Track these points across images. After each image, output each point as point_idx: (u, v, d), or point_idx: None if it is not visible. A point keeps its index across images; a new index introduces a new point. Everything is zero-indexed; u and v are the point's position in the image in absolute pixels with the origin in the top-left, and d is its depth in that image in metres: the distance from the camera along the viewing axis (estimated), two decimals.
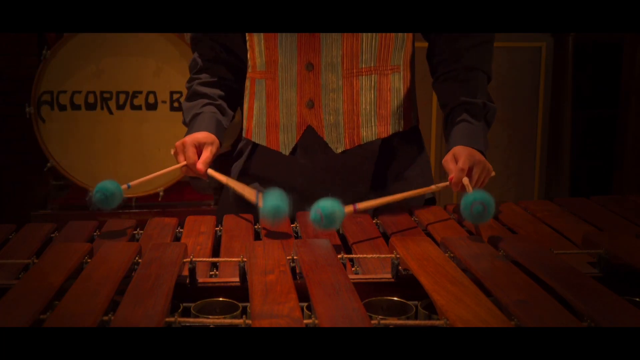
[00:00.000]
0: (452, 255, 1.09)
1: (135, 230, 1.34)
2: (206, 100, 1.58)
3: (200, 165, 1.46)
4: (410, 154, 1.58)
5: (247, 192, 1.39)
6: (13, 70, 3.55)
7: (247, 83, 1.59)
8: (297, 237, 1.32)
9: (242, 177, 1.58)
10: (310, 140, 1.50)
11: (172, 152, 1.51)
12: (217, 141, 1.52)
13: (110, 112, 2.94)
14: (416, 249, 1.08)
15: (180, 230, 1.35)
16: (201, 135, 1.50)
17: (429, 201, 1.60)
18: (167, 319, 0.84)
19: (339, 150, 1.49)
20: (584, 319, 0.83)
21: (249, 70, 1.58)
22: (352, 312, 0.83)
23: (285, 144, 1.52)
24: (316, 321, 0.82)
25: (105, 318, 0.84)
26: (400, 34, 1.48)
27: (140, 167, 2.90)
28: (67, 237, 1.31)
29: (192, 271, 1.04)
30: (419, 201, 1.55)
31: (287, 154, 1.52)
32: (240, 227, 1.35)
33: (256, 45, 1.51)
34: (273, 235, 1.31)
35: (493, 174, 1.41)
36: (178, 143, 1.49)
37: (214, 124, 1.54)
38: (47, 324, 0.82)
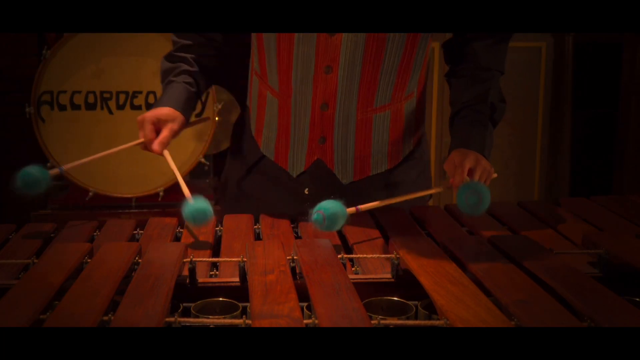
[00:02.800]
0: (452, 255, 1.09)
1: (135, 230, 1.34)
2: (184, 66, 1.49)
3: (156, 145, 1.39)
4: (416, 163, 1.56)
5: (185, 191, 1.32)
6: (13, 70, 3.55)
7: (255, 80, 1.52)
8: (297, 237, 1.32)
9: (242, 185, 1.53)
10: (318, 168, 1.48)
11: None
12: (180, 118, 1.43)
13: (110, 112, 2.94)
14: (416, 249, 1.08)
15: (180, 230, 1.35)
16: (163, 112, 1.41)
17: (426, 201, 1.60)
18: (167, 319, 0.84)
19: (347, 182, 1.49)
20: (584, 319, 0.83)
21: (257, 69, 1.51)
22: (352, 312, 0.83)
23: (293, 168, 1.50)
24: (316, 321, 0.82)
25: (105, 318, 0.84)
26: (418, 59, 1.44)
27: (140, 167, 2.90)
28: (67, 237, 1.31)
29: (192, 271, 1.04)
30: (420, 202, 1.54)
31: (295, 176, 1.50)
32: (240, 227, 1.35)
33: (268, 61, 1.44)
34: (273, 235, 1.31)
35: (495, 175, 1.40)
36: (140, 117, 1.41)
37: (184, 98, 1.45)
38: (47, 324, 0.82)
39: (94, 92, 2.97)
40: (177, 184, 1.64)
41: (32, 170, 1.28)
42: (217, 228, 1.34)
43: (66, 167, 1.36)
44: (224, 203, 1.65)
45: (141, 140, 1.41)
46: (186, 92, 1.47)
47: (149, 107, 2.97)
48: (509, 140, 3.47)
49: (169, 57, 1.52)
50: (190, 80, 1.49)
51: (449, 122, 1.51)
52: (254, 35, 1.49)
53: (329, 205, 1.17)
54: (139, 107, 2.94)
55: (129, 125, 2.94)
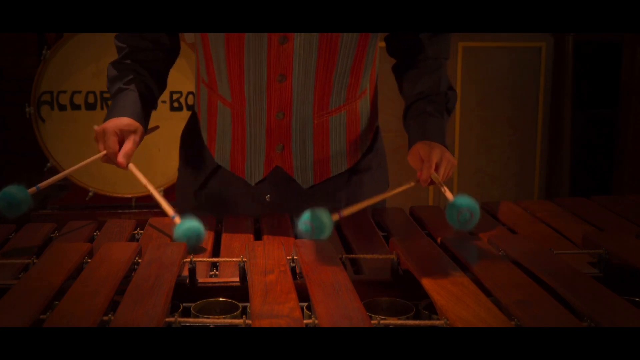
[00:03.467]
0: (452, 255, 1.09)
1: (135, 230, 1.34)
2: (133, 74, 1.43)
3: (121, 158, 1.33)
4: (374, 155, 1.55)
5: (166, 207, 1.29)
6: (13, 70, 3.55)
7: (203, 89, 1.47)
8: (297, 237, 1.31)
9: (200, 196, 1.50)
10: (277, 175, 1.46)
11: (94, 135, 1.37)
12: (140, 128, 1.38)
13: None
14: (416, 249, 1.08)
15: None
16: (124, 122, 1.35)
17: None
18: (167, 319, 0.84)
19: (307, 187, 1.47)
20: (584, 319, 0.83)
21: (205, 79, 1.46)
22: (352, 312, 0.83)
23: (251, 176, 1.47)
24: (316, 321, 0.82)
25: (105, 318, 0.84)
26: (370, 58, 1.42)
27: (139, 167, 2.89)
28: (67, 237, 1.31)
29: (192, 271, 1.04)
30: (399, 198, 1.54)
31: (253, 184, 1.47)
32: (240, 227, 1.35)
33: (218, 71, 1.40)
34: (273, 235, 1.31)
35: (455, 163, 1.37)
36: (98, 128, 1.35)
37: (140, 107, 1.40)
38: (47, 324, 0.82)
39: (94, 92, 2.98)
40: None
41: (13, 190, 1.24)
42: (217, 228, 1.34)
43: (42, 185, 1.30)
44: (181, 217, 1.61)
45: (103, 153, 1.35)
46: (141, 101, 1.41)
47: None
48: (509, 140, 3.47)
49: (117, 65, 1.46)
50: (142, 88, 1.43)
51: (403, 114, 1.49)
52: (199, 43, 1.43)
53: (315, 215, 1.16)
54: None
55: None
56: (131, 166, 1.36)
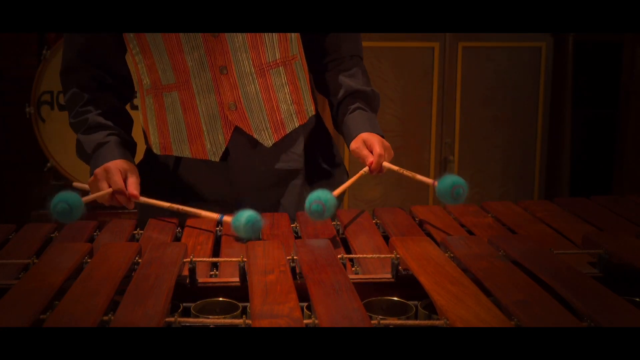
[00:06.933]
0: (452, 255, 1.09)
1: (135, 230, 1.34)
2: (108, 131, 1.48)
3: (133, 190, 1.37)
4: (323, 137, 1.64)
5: (206, 214, 1.33)
6: (13, 70, 3.55)
7: (149, 101, 1.53)
8: (297, 237, 1.32)
9: (169, 197, 1.47)
10: (239, 141, 1.50)
11: (89, 180, 1.41)
12: (136, 168, 1.43)
13: None
14: (416, 249, 1.08)
15: (180, 230, 1.35)
16: (122, 162, 1.41)
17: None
18: (167, 319, 0.84)
19: (270, 144, 1.51)
20: (584, 319, 0.83)
21: (147, 87, 1.52)
22: (352, 312, 0.83)
23: (213, 150, 1.50)
24: (316, 321, 0.82)
25: (105, 318, 0.84)
26: None
27: None
28: (67, 237, 1.31)
29: (192, 271, 1.04)
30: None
31: (217, 160, 1.50)
32: None
33: (158, 59, 1.46)
34: (273, 235, 1.31)
35: (392, 154, 1.47)
36: (99, 170, 1.39)
37: (126, 153, 1.46)
38: (47, 324, 0.82)
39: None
40: None
41: (72, 196, 1.25)
42: (217, 228, 1.34)
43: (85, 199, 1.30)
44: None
45: (109, 191, 1.37)
46: (124, 150, 1.47)
47: None
48: (509, 140, 3.47)
49: (87, 131, 1.49)
50: (119, 140, 1.48)
51: (334, 111, 1.60)
52: (139, 59, 1.48)
53: (324, 195, 1.22)
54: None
55: None
56: (143, 198, 1.38)
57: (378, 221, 1.39)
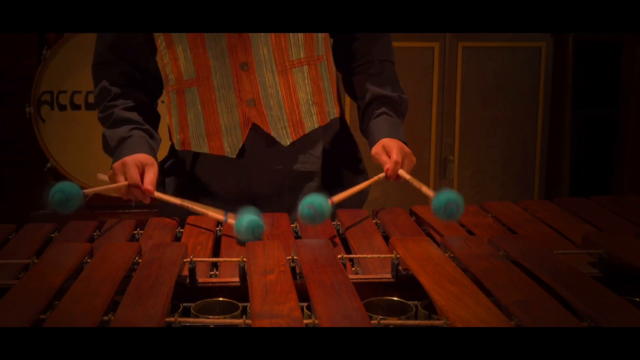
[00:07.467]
0: (452, 255, 1.09)
1: (135, 230, 1.34)
2: (132, 125, 1.48)
3: (149, 185, 1.36)
4: (347, 143, 1.63)
5: (211, 211, 1.34)
6: (13, 70, 3.55)
7: (173, 96, 1.55)
8: (297, 237, 1.32)
9: (186, 193, 1.50)
10: (256, 138, 1.50)
11: (109, 174, 1.42)
12: (156, 163, 1.42)
13: None
14: (416, 249, 1.08)
15: (180, 230, 1.35)
16: (141, 156, 1.41)
17: None
18: (167, 319, 0.84)
19: (287, 143, 1.50)
20: (584, 319, 0.83)
21: (172, 83, 1.53)
22: (352, 312, 0.83)
23: (230, 146, 1.50)
24: (316, 321, 0.82)
25: (105, 318, 0.84)
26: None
27: None
28: (67, 237, 1.31)
29: (192, 271, 1.04)
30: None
31: (234, 156, 1.50)
32: None
33: (181, 54, 1.47)
34: (273, 235, 1.31)
35: (414, 161, 1.46)
36: (117, 164, 1.39)
37: (148, 147, 1.45)
38: (47, 324, 0.82)
39: (94, 92, 2.97)
40: None
41: (69, 186, 1.25)
42: (217, 228, 1.34)
43: (87, 191, 1.30)
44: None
45: (124, 183, 1.37)
46: (147, 143, 1.47)
47: None
48: (509, 140, 3.47)
49: (112, 125, 1.49)
50: (143, 134, 1.48)
51: (360, 116, 1.58)
52: (165, 55, 1.49)
53: (317, 200, 1.21)
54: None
55: None
56: (157, 194, 1.38)
57: (378, 221, 1.39)
